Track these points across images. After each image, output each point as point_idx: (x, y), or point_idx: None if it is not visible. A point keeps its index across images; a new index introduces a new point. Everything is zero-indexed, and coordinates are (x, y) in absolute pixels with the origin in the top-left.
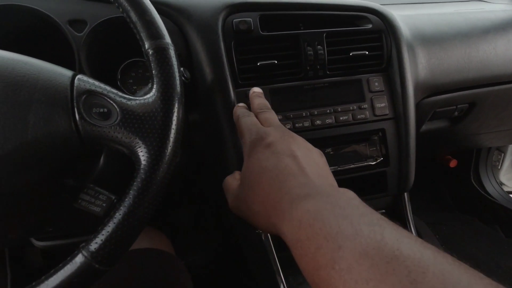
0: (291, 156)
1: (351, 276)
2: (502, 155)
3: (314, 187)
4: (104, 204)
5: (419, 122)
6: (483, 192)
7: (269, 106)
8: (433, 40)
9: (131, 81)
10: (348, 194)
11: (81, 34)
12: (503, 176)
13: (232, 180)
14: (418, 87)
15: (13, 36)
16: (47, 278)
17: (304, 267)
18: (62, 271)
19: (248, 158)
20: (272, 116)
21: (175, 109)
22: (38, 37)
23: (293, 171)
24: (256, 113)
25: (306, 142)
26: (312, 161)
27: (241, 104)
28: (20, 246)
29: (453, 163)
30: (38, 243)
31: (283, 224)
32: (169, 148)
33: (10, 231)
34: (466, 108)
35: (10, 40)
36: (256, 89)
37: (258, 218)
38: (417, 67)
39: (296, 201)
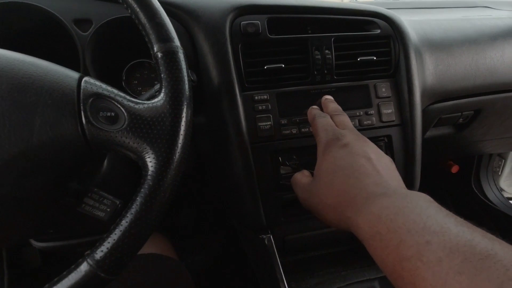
0: (365, 157)
1: (441, 268)
2: (503, 161)
3: (389, 187)
4: (108, 209)
5: (424, 128)
6: (483, 198)
7: (342, 110)
8: (441, 46)
9: (136, 82)
10: (427, 197)
11: (87, 33)
12: (504, 182)
13: (301, 177)
14: (425, 94)
15: (18, 34)
16: (50, 287)
17: (383, 259)
18: (66, 279)
19: (323, 156)
20: (346, 120)
21: (184, 114)
22: (43, 35)
23: (368, 171)
24: (331, 115)
25: (378, 148)
26: (384, 165)
27: (315, 106)
28: (18, 246)
29: (454, 169)
30: (38, 244)
31: (359, 217)
32: (178, 155)
33: (11, 233)
34: (472, 115)
35: (14, 38)
36: (328, 96)
37: (330, 211)
38: (424, 73)
39: (372, 197)
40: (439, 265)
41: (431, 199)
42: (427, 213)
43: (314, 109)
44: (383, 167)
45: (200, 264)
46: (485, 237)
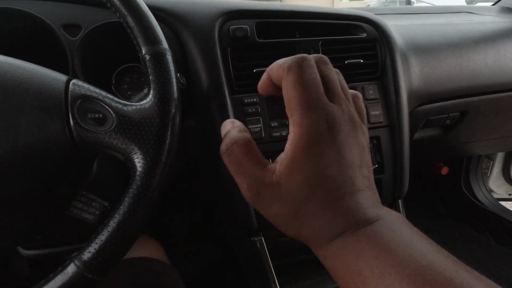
0: (358, 167)
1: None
2: (491, 163)
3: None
4: (97, 212)
5: (412, 130)
6: (473, 199)
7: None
8: (426, 49)
9: (126, 86)
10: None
11: (75, 38)
12: (493, 183)
13: (254, 164)
14: (411, 95)
15: (6, 39)
16: None
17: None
18: (52, 281)
19: (305, 152)
20: (339, 77)
21: (172, 115)
22: (31, 41)
23: (356, 187)
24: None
25: (363, 134)
26: (366, 170)
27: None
28: (6, 256)
29: (444, 171)
30: (25, 252)
31: (321, 251)
32: (166, 155)
33: None
34: (458, 116)
35: (2, 43)
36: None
37: (286, 224)
38: (410, 76)
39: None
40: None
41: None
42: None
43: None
44: (363, 174)
45: (192, 270)
46: (445, 260)
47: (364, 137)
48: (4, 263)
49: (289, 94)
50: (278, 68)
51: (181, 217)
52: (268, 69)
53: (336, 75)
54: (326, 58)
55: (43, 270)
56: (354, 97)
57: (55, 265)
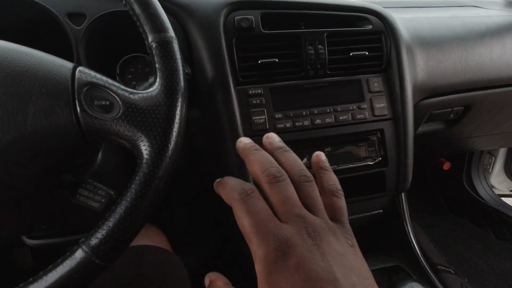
0: (336, 279)
1: None
2: (493, 159)
3: None
4: (103, 200)
5: (415, 124)
6: (475, 195)
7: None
8: (431, 42)
9: (130, 76)
10: None
11: (80, 27)
12: (494, 179)
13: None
14: (416, 89)
15: (12, 27)
16: (45, 274)
17: None
18: (61, 266)
19: (266, 283)
20: (298, 163)
21: (179, 103)
22: (36, 29)
23: None
24: (274, 154)
25: (350, 237)
26: (355, 277)
27: (247, 140)
28: (10, 246)
29: (446, 166)
30: (30, 241)
31: None
32: (173, 143)
33: (2, 227)
34: (462, 110)
35: (8, 32)
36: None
37: None
38: (415, 69)
39: None
40: None
41: None
42: None
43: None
44: None
45: (195, 262)
46: None
47: (343, 241)
48: (8, 253)
49: (240, 223)
50: (227, 195)
51: (183, 209)
52: (218, 188)
53: (294, 193)
54: (287, 178)
55: (46, 260)
56: (330, 196)
57: (58, 255)
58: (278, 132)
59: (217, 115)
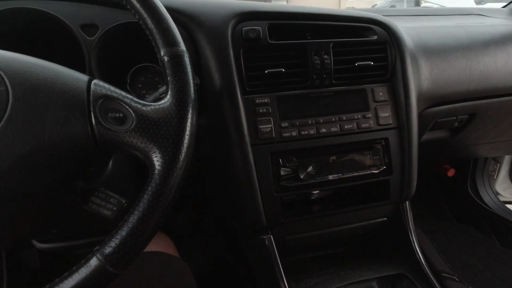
0: None
1: None
2: (498, 165)
3: None
4: (114, 208)
5: (420, 132)
6: (479, 202)
7: None
8: (436, 51)
9: (140, 85)
10: None
11: (93, 38)
12: (499, 186)
13: None
14: (420, 97)
15: (26, 38)
16: (61, 281)
17: None
18: (76, 273)
19: None
20: None
21: (190, 115)
22: (49, 40)
23: None
24: None
25: None
26: None
27: None
28: (19, 248)
29: (451, 172)
30: (40, 245)
31: None
32: (183, 154)
33: (16, 232)
34: (466, 119)
35: (23, 41)
36: None
37: None
38: (420, 78)
39: None
40: None
41: None
42: None
43: None
44: None
45: (200, 265)
46: None
47: None
48: (16, 255)
49: None
50: None
51: (188, 213)
52: None
53: None
54: None
55: (53, 263)
56: None
57: (64, 259)
58: (284, 140)
59: (224, 123)
